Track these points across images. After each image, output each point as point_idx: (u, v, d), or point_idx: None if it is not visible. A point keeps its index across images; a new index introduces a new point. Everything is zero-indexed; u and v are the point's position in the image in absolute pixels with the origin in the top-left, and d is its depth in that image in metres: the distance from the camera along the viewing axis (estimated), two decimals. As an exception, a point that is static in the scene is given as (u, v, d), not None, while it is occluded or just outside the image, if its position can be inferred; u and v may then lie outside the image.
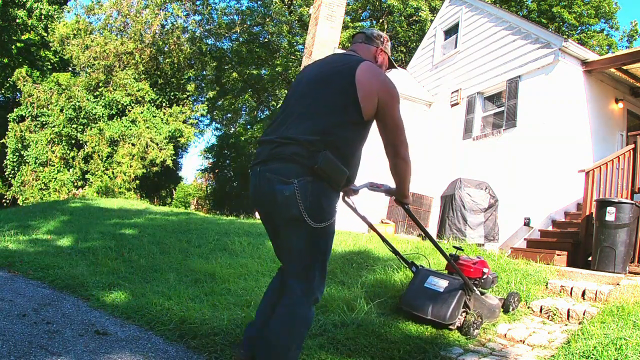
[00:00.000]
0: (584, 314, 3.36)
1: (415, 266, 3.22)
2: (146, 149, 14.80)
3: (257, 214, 1.88)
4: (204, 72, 23.53)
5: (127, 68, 16.06)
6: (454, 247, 3.47)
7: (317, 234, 1.76)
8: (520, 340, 3.02)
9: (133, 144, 14.70)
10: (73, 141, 14.72)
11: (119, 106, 15.31)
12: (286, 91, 21.94)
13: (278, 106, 22.56)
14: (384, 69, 2.19)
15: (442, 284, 2.95)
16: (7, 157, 14.88)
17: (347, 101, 1.78)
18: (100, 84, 15.55)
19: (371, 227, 2.81)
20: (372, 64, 1.91)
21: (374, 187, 2.49)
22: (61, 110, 14.39)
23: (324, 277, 1.85)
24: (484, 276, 3.16)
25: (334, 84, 1.81)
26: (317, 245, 1.78)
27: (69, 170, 14.62)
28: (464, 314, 2.92)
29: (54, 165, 14.35)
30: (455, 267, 2.95)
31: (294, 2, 21.24)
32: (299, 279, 1.77)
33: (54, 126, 14.24)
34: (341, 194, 2.11)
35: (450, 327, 2.89)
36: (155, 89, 16.86)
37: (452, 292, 2.88)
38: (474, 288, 2.99)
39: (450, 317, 2.81)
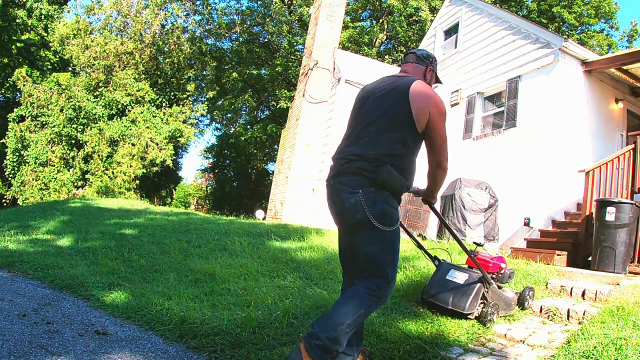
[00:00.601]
0: (584, 314, 3.36)
1: (437, 260, 3.42)
2: (146, 149, 14.80)
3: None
4: (204, 72, 23.52)
5: (127, 68, 16.06)
6: (475, 243, 3.77)
7: (384, 237, 1.99)
8: (520, 340, 3.02)
9: (133, 144, 14.70)
10: (73, 141, 14.72)
11: (119, 106, 15.31)
12: (286, 91, 21.94)
13: (277, 106, 22.54)
14: (432, 85, 2.40)
15: (462, 277, 3.22)
16: (7, 157, 14.88)
17: (403, 117, 2.04)
18: (100, 84, 15.54)
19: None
20: (423, 83, 2.14)
21: (419, 190, 2.68)
22: (61, 110, 14.38)
23: (394, 276, 2.04)
24: (502, 271, 3.39)
25: (391, 103, 2.08)
26: (386, 247, 2.02)
27: (69, 170, 14.61)
28: (481, 305, 3.15)
29: (54, 165, 14.34)
30: (475, 261, 3.15)
31: (294, 2, 21.23)
32: (367, 278, 2.00)
33: (54, 126, 14.24)
34: None
35: (469, 316, 3.13)
36: (155, 89, 16.85)
37: (471, 285, 3.13)
38: (492, 281, 3.21)
39: (469, 307, 3.06)
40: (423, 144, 2.18)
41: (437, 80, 2.48)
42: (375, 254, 2.00)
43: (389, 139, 2.02)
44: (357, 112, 2.27)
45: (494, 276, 3.34)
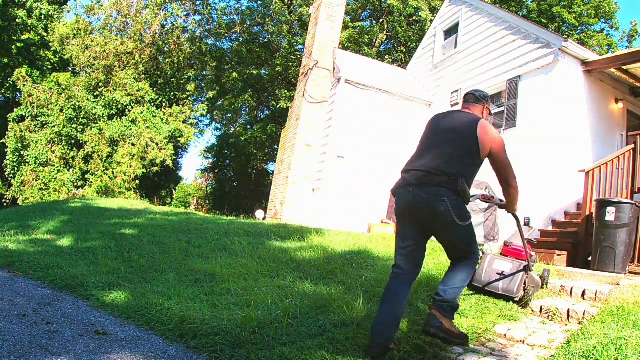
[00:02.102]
0: (584, 314, 3.36)
1: (482, 251, 3.89)
2: (146, 149, 14.79)
3: (393, 219, 2.81)
4: (204, 72, 23.51)
5: (127, 68, 16.05)
6: (528, 240, 4.18)
7: (466, 229, 2.62)
8: (520, 340, 3.02)
9: (133, 144, 14.69)
10: (73, 141, 14.71)
11: (119, 106, 15.30)
12: (286, 91, 21.94)
13: (277, 106, 22.52)
14: (486, 119, 2.95)
15: (507, 266, 3.79)
16: (7, 157, 14.87)
17: (471, 148, 2.63)
18: (100, 84, 15.53)
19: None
20: (485, 122, 2.72)
21: (486, 199, 3.23)
22: (61, 110, 14.38)
23: (476, 251, 2.74)
24: (531, 258, 3.91)
25: (463, 135, 2.66)
26: (467, 235, 2.67)
27: (69, 170, 14.61)
28: (524, 289, 3.68)
29: (54, 165, 14.34)
30: (529, 255, 3.75)
31: (294, 2, 21.23)
32: (461, 259, 2.70)
33: (54, 126, 14.23)
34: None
35: (515, 299, 3.69)
36: (155, 89, 16.84)
37: (516, 273, 3.71)
38: (531, 268, 3.76)
39: (516, 291, 3.65)
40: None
41: (490, 114, 3.13)
42: (463, 241, 2.67)
43: (461, 161, 2.60)
44: (431, 134, 2.82)
45: (527, 264, 3.82)
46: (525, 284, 3.68)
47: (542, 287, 4.03)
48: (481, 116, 2.90)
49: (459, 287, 2.62)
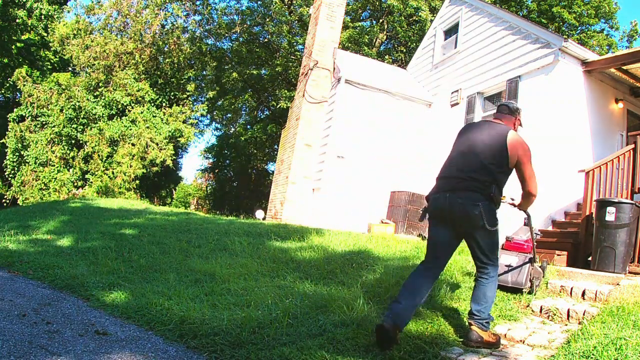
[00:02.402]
0: (584, 314, 3.36)
1: None
2: (146, 149, 14.79)
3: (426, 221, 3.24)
4: (204, 72, 23.50)
5: (127, 68, 16.05)
6: (536, 233, 4.46)
7: (493, 234, 2.88)
8: (520, 340, 3.02)
9: (133, 144, 14.69)
10: (73, 141, 14.71)
11: (119, 106, 15.30)
12: (286, 91, 21.93)
13: (277, 106, 22.51)
14: (516, 130, 3.12)
15: (513, 259, 4.03)
16: (7, 157, 14.87)
17: (501, 157, 2.85)
18: (100, 84, 15.53)
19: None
20: (515, 134, 2.94)
21: (513, 201, 3.39)
22: (61, 110, 14.38)
23: (497, 259, 3.01)
24: (535, 253, 4.13)
25: (494, 146, 2.87)
26: (493, 242, 2.91)
27: (69, 170, 14.61)
28: (530, 280, 3.97)
29: (54, 165, 14.34)
30: (534, 250, 4.05)
31: (294, 2, 21.22)
32: (487, 260, 2.94)
33: (54, 126, 14.23)
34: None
35: (524, 290, 3.96)
36: (155, 89, 16.84)
37: (523, 265, 3.97)
38: (536, 260, 4.03)
39: (525, 283, 3.93)
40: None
41: (520, 125, 3.27)
42: (489, 246, 2.91)
43: (493, 170, 2.82)
44: (464, 143, 3.00)
45: (531, 256, 4.06)
46: (530, 275, 3.95)
47: (543, 276, 4.32)
48: (512, 127, 3.07)
49: (490, 303, 2.93)
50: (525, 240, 4.22)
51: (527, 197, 3.10)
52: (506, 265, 3.99)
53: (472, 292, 2.99)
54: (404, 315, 2.60)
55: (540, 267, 4.34)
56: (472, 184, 2.77)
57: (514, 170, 2.98)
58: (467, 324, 2.95)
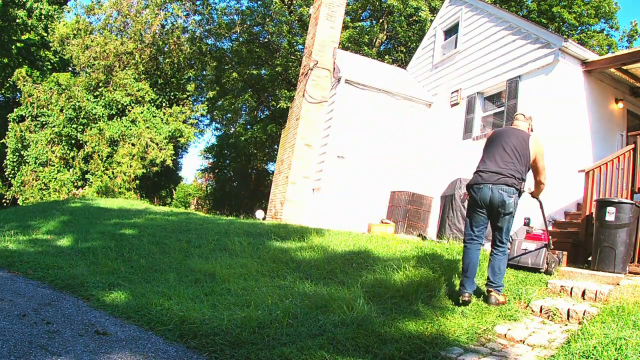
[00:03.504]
0: (584, 314, 3.36)
1: (511, 237, 4.68)
2: (146, 149, 14.79)
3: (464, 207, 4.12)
4: (204, 72, 23.51)
5: (127, 68, 16.05)
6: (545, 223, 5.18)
7: (513, 220, 3.79)
8: (520, 340, 3.02)
9: (133, 144, 14.69)
10: (73, 141, 14.71)
11: (119, 106, 15.30)
12: (286, 91, 21.93)
13: (277, 106, 22.49)
14: (530, 132, 4.06)
15: (532, 245, 4.81)
16: (7, 157, 14.87)
17: (526, 157, 3.78)
18: (100, 84, 15.53)
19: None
20: (534, 136, 3.91)
21: (531, 190, 4.22)
22: (61, 110, 14.38)
23: (508, 240, 3.87)
24: (550, 240, 4.80)
25: (522, 148, 3.78)
26: (510, 226, 3.81)
27: (69, 170, 14.61)
28: (547, 263, 4.64)
29: (54, 165, 14.34)
30: (549, 236, 4.79)
31: (294, 2, 21.22)
32: (504, 240, 3.80)
33: (54, 126, 14.23)
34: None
35: (541, 270, 4.63)
36: (155, 89, 16.85)
37: (540, 249, 4.73)
38: (551, 247, 4.76)
39: (542, 264, 4.64)
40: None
41: (532, 130, 4.19)
42: (508, 229, 3.79)
43: (521, 167, 3.72)
44: (495, 144, 3.88)
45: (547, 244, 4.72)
46: (547, 258, 4.66)
47: (559, 264, 4.91)
48: (528, 130, 4.03)
49: (503, 273, 3.78)
50: (543, 232, 5.01)
51: (539, 185, 4.05)
52: (525, 251, 4.77)
53: (488, 265, 3.79)
54: (474, 280, 3.70)
55: (556, 255, 5.05)
56: (510, 180, 3.63)
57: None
58: (485, 291, 3.74)
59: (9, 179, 15.14)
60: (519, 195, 3.69)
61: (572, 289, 3.98)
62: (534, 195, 4.19)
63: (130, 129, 14.80)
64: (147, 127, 15.05)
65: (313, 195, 10.26)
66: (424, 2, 18.52)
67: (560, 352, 2.56)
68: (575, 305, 3.59)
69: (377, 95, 10.38)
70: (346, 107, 10.06)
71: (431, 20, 15.29)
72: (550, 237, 4.90)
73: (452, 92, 10.12)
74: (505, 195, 3.61)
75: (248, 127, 28.02)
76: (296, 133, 10.94)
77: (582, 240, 5.65)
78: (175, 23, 18.33)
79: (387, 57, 21.75)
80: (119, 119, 15.06)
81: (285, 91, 22.06)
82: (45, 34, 18.11)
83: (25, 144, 14.53)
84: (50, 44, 17.44)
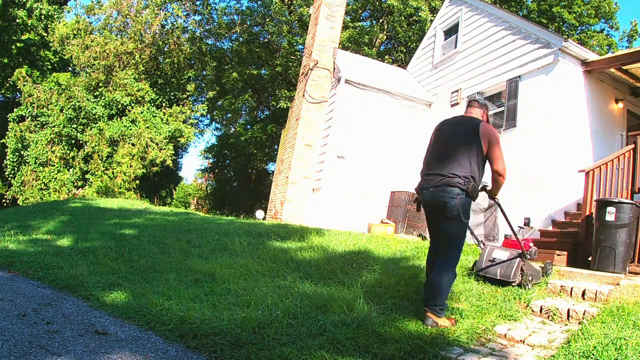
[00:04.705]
0: (584, 314, 3.36)
1: (483, 243, 4.42)
2: (146, 149, 14.79)
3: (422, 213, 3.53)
4: (204, 72, 23.50)
5: (127, 68, 16.05)
6: (519, 226, 5.00)
7: (463, 227, 3.16)
8: (520, 340, 3.02)
9: (133, 144, 14.69)
10: (73, 141, 14.71)
11: (119, 106, 15.30)
12: (286, 91, 21.93)
13: (277, 106, 22.50)
14: (486, 121, 3.46)
15: (504, 254, 4.15)
16: (7, 157, 14.87)
17: (476, 147, 3.16)
18: (100, 84, 15.53)
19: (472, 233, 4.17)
20: (485, 123, 3.29)
21: (486, 186, 3.53)
22: (61, 110, 14.38)
23: (457, 255, 3.22)
24: (530, 249, 4.27)
25: (470, 139, 3.18)
26: (460, 234, 3.18)
27: (69, 170, 14.61)
28: (521, 275, 4.02)
29: (54, 165, 14.33)
30: (521, 243, 4.10)
31: (294, 2, 21.22)
32: (448, 250, 3.17)
33: (54, 126, 14.23)
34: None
35: (513, 284, 4.03)
36: (155, 89, 16.84)
37: (513, 260, 4.07)
38: (527, 256, 4.09)
39: (513, 276, 3.99)
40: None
41: (488, 117, 3.60)
42: (456, 238, 3.17)
43: (469, 161, 3.12)
44: (440, 140, 3.34)
45: (525, 253, 4.13)
46: (522, 270, 4.03)
47: (544, 276, 4.43)
48: (482, 119, 3.39)
49: (445, 291, 3.13)
50: (523, 239, 4.40)
51: (497, 179, 3.29)
52: (496, 260, 4.17)
53: (426, 282, 3.25)
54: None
55: (542, 267, 4.48)
56: (454, 180, 3.08)
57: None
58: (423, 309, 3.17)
59: (9, 179, 15.14)
60: (469, 196, 3.10)
61: (572, 289, 3.98)
62: (491, 193, 3.48)
63: (130, 129, 14.80)
64: (147, 127, 15.05)
65: (313, 195, 10.26)
66: (424, 2, 18.52)
67: (560, 352, 2.56)
68: (575, 305, 3.58)
69: (377, 95, 10.38)
70: (346, 107, 10.06)
71: (431, 20, 15.29)
72: (532, 244, 4.42)
73: (452, 92, 10.12)
74: (447, 197, 3.07)
75: (248, 127, 27.99)
76: (296, 133, 10.93)
77: (582, 240, 5.65)
78: (175, 23, 18.33)
79: (387, 57, 21.75)
80: (119, 119, 15.06)
81: (285, 91, 22.05)
82: (45, 34, 18.11)
83: (25, 144, 14.53)
84: (50, 44, 17.44)
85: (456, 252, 3.20)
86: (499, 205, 3.70)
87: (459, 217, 3.05)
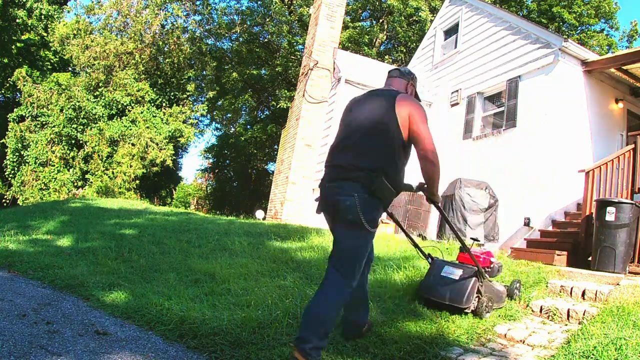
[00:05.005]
0: (584, 314, 3.36)
1: (431, 257, 3.54)
2: (146, 149, 14.79)
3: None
4: (204, 72, 23.50)
5: (127, 68, 16.05)
6: (472, 238, 3.83)
7: (365, 236, 2.30)
8: (520, 340, 3.02)
9: (133, 144, 14.70)
10: (73, 141, 14.71)
11: (119, 106, 15.30)
12: (286, 91, 21.92)
13: (277, 106, 22.52)
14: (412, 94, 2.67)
15: (457, 272, 3.28)
16: (7, 157, 14.87)
17: (390, 128, 2.30)
18: (100, 84, 15.54)
19: (403, 230, 3.19)
20: (405, 95, 2.44)
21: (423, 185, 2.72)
22: (61, 110, 14.38)
23: (354, 276, 2.30)
24: (492, 265, 3.52)
25: (382, 119, 2.33)
26: (361, 246, 2.31)
27: (69, 170, 14.61)
28: (477, 299, 3.22)
29: (54, 165, 14.34)
30: (472, 256, 3.26)
31: (294, 2, 21.23)
32: (339, 266, 2.27)
33: (54, 126, 14.23)
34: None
35: (466, 310, 3.18)
36: (155, 89, 16.85)
37: (467, 279, 3.21)
38: (486, 275, 3.30)
39: (466, 301, 3.15)
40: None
41: (416, 97, 2.70)
42: (354, 251, 2.29)
43: (381, 153, 2.30)
44: (347, 122, 2.50)
45: (485, 270, 3.41)
46: (479, 292, 3.21)
47: (511, 298, 3.76)
48: (404, 92, 2.58)
49: (326, 323, 2.14)
50: (483, 253, 3.55)
51: (426, 167, 2.33)
52: (446, 280, 3.27)
53: (309, 304, 2.25)
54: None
55: (507, 287, 3.76)
56: (354, 174, 2.25)
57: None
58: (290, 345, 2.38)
59: (9, 179, 15.14)
60: (374, 196, 2.25)
61: (572, 289, 3.98)
62: (429, 192, 2.52)
63: (130, 129, 14.80)
64: (147, 127, 15.05)
65: (313, 195, 10.26)
66: (424, 2, 18.53)
67: (560, 352, 2.56)
68: (575, 305, 3.59)
69: (377, 95, 10.37)
70: (346, 107, 10.05)
71: (431, 20, 15.29)
72: (494, 260, 3.59)
73: (452, 92, 10.12)
74: (342, 194, 2.24)
75: (248, 127, 27.99)
76: (296, 133, 10.93)
77: (582, 240, 5.65)
78: (175, 23, 18.33)
79: (387, 57, 21.75)
80: (119, 119, 15.06)
81: (285, 91, 22.05)
82: (45, 34, 18.11)
83: (25, 144, 14.53)
84: (50, 44, 17.44)
85: (351, 271, 2.26)
86: (439, 209, 2.84)
87: (357, 223, 2.20)
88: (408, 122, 2.30)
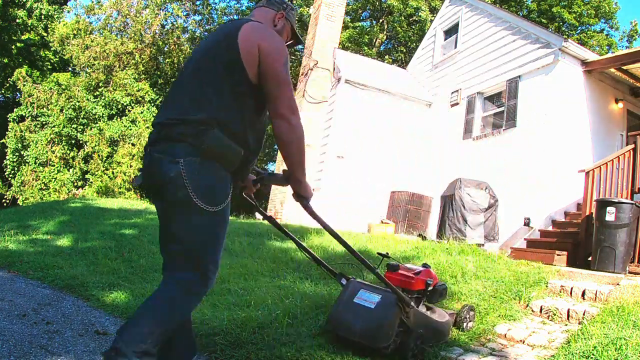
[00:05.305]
0: (584, 314, 3.36)
1: (345, 278, 2.67)
2: (146, 149, 14.80)
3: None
4: (204, 72, 23.52)
5: (127, 68, 16.06)
6: (379, 253, 2.75)
7: (206, 219, 1.61)
8: (520, 340, 3.02)
9: (133, 144, 14.70)
10: (73, 141, 14.72)
11: (119, 106, 15.31)
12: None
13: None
14: (285, 39, 1.93)
15: (374, 298, 2.43)
16: (7, 157, 14.88)
17: (230, 67, 1.63)
18: (100, 84, 15.55)
19: (277, 225, 2.50)
20: (257, 23, 1.72)
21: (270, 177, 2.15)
22: (61, 110, 14.39)
23: (214, 269, 1.68)
24: (429, 288, 2.60)
25: (217, 52, 1.67)
26: (205, 230, 1.63)
27: (69, 170, 14.62)
28: (399, 333, 2.36)
29: (54, 165, 14.35)
30: (381, 277, 2.34)
31: (294, 2, 21.23)
32: (180, 270, 1.63)
33: (54, 126, 14.24)
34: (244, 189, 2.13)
35: (384, 350, 2.33)
36: (155, 89, 16.86)
37: (386, 308, 2.35)
38: (412, 303, 2.40)
39: (382, 338, 2.30)
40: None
41: (296, 38, 2.00)
42: (192, 239, 1.62)
43: (216, 98, 1.62)
44: (183, 70, 1.80)
45: (419, 295, 2.59)
46: (404, 324, 2.37)
47: (460, 329, 2.97)
48: (270, 25, 1.87)
49: (148, 333, 1.48)
50: (416, 272, 2.62)
51: (280, 126, 1.67)
52: (359, 309, 2.40)
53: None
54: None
55: (456, 313, 3.01)
56: (177, 130, 1.59)
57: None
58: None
59: (9, 179, 15.15)
60: (208, 157, 1.58)
61: (572, 289, 3.98)
62: (292, 178, 1.82)
63: (130, 129, 14.81)
64: (147, 127, 15.05)
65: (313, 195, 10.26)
66: (424, 2, 18.53)
67: (560, 352, 2.56)
68: (575, 305, 3.59)
69: (377, 95, 10.38)
70: (346, 107, 10.06)
71: (431, 20, 15.30)
72: (431, 281, 2.59)
73: (452, 92, 10.12)
74: (166, 162, 1.57)
75: (248, 127, 28.00)
76: (296, 133, 10.92)
77: (582, 240, 5.65)
78: (175, 23, 18.35)
79: (387, 57, 21.76)
80: (119, 119, 15.07)
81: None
82: (45, 34, 18.13)
83: (25, 144, 14.54)
84: (50, 44, 17.46)
85: (190, 271, 1.62)
86: (304, 206, 2.03)
87: (187, 201, 1.55)
88: (257, 59, 1.63)
